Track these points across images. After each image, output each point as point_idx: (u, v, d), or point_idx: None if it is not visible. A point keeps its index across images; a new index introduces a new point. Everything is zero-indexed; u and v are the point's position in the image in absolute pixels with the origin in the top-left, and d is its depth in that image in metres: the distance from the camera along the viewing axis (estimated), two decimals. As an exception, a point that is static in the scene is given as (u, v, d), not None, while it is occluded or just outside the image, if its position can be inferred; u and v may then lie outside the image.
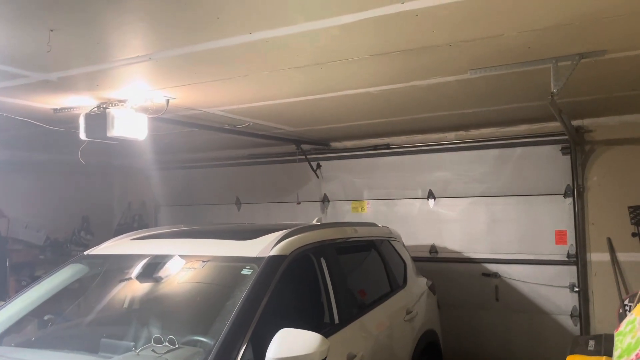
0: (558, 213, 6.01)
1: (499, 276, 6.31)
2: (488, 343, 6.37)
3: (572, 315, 5.96)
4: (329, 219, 7.27)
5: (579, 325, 5.92)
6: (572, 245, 5.95)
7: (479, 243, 6.43)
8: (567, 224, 5.98)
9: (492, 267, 6.35)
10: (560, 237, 6.00)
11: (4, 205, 7.25)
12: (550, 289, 6.06)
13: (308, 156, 7.26)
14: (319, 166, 7.35)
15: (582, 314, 5.92)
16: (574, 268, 5.96)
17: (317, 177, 7.37)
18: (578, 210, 5.94)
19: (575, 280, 5.95)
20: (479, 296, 6.42)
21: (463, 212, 6.51)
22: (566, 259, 5.99)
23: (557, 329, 6.04)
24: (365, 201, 7.10)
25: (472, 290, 6.45)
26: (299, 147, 7.06)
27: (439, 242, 6.66)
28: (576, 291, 5.93)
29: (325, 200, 7.35)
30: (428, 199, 6.68)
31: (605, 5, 2.60)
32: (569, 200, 5.96)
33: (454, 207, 6.57)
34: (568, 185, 5.95)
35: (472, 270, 6.46)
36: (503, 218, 6.29)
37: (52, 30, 2.65)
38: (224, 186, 8.08)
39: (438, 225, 6.65)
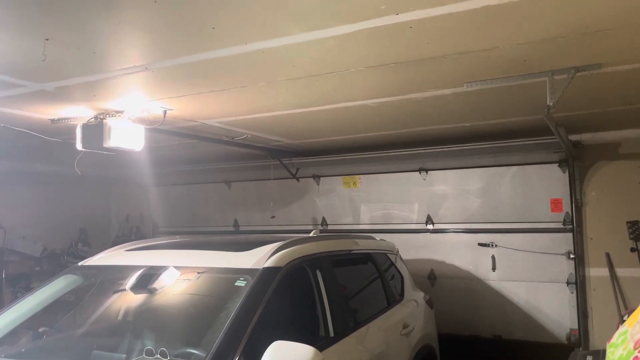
0: (553, 181, 5.96)
1: (496, 246, 6.27)
2: (485, 313, 6.33)
3: (568, 283, 5.93)
4: (321, 195, 7.25)
5: (575, 292, 5.88)
6: (567, 212, 5.91)
7: (474, 213, 6.38)
8: (562, 193, 5.93)
9: (489, 237, 6.32)
10: (555, 205, 5.95)
11: (0, 216, 7.22)
12: (547, 257, 6.02)
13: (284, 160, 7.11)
14: (297, 170, 7.28)
15: (578, 282, 5.89)
16: (569, 235, 5.94)
17: (297, 181, 7.28)
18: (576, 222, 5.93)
19: (571, 248, 5.92)
20: (476, 266, 6.39)
21: (457, 184, 6.44)
22: (562, 226, 5.95)
23: (554, 297, 6.01)
24: (357, 176, 7.00)
25: (468, 261, 6.43)
26: (280, 160, 6.98)
27: (435, 214, 6.61)
28: (572, 258, 5.90)
29: (315, 176, 7.27)
30: (420, 172, 6.59)
31: (599, 19, 2.61)
32: (564, 169, 5.92)
33: (447, 179, 6.50)
34: (562, 160, 5.90)
35: (468, 241, 6.44)
36: (498, 188, 6.23)
37: (47, 40, 2.66)
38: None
39: (432, 197, 6.58)
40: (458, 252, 6.48)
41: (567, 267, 5.95)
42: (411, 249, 6.68)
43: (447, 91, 3.94)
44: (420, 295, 5.04)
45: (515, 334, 6.17)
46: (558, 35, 2.82)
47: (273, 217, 7.35)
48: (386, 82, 3.71)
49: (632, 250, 5.69)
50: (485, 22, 2.63)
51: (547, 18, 2.60)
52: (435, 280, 6.44)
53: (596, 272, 5.90)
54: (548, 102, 3.53)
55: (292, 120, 4.93)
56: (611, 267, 5.79)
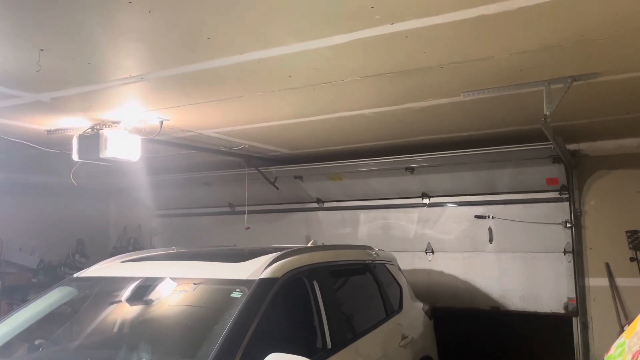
0: (548, 169, 5.84)
1: (492, 217, 6.24)
2: (483, 285, 6.30)
3: (565, 252, 5.89)
4: (308, 187, 7.16)
5: (572, 262, 5.84)
6: (563, 185, 5.84)
7: (470, 187, 6.31)
8: (558, 174, 5.84)
9: (485, 209, 6.29)
10: (550, 181, 5.89)
11: (-3, 228, 7.20)
12: (544, 227, 5.98)
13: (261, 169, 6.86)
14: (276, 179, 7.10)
15: (575, 251, 5.86)
16: (566, 205, 5.90)
17: (277, 189, 7.13)
18: (576, 235, 5.89)
19: (567, 217, 5.88)
20: (473, 239, 6.36)
21: (449, 166, 6.24)
22: (558, 195, 5.91)
23: (551, 267, 5.97)
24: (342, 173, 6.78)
25: (465, 233, 6.40)
26: (258, 168, 6.75)
27: (430, 190, 6.54)
28: (569, 227, 5.86)
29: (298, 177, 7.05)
30: (406, 170, 6.33)
31: (595, 28, 2.61)
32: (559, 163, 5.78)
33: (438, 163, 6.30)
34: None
35: (464, 214, 6.41)
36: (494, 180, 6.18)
37: (42, 50, 2.65)
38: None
39: (426, 177, 6.44)
40: (455, 225, 6.46)
41: (564, 236, 5.91)
42: (408, 224, 6.68)
43: (444, 101, 3.94)
44: (419, 306, 5.00)
45: (513, 305, 6.14)
46: (554, 45, 2.82)
47: (248, 228, 7.23)
48: (383, 92, 3.71)
49: (632, 259, 5.66)
50: (480, 32, 2.63)
51: (542, 27, 2.60)
52: (433, 254, 6.44)
53: (596, 282, 5.87)
54: (545, 111, 3.53)
55: (289, 131, 4.93)
56: (611, 277, 5.76)
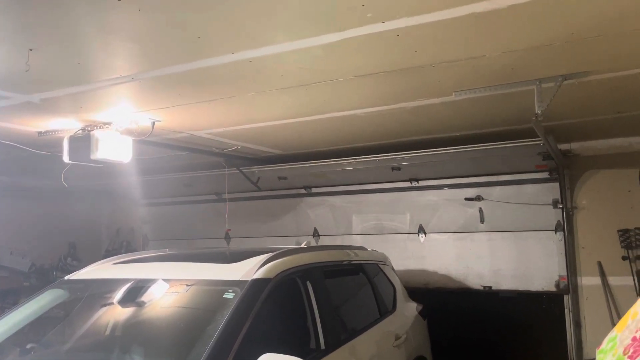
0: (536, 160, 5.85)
1: (483, 199, 6.26)
2: (474, 265, 6.32)
3: (556, 230, 5.93)
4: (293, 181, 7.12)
5: (563, 240, 5.88)
6: (552, 168, 5.85)
7: (459, 170, 6.30)
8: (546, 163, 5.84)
9: (475, 191, 6.31)
10: (539, 166, 5.91)
11: (-12, 231, 7.15)
12: (534, 207, 6.01)
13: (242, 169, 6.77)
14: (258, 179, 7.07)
15: (566, 230, 5.89)
16: (556, 185, 5.93)
17: (259, 189, 7.13)
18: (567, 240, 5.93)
19: (557, 196, 5.92)
20: (464, 220, 6.39)
21: (436, 163, 6.21)
22: (548, 176, 5.94)
23: (542, 246, 6.01)
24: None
25: (456, 215, 6.42)
26: (239, 168, 6.63)
27: (418, 174, 6.54)
28: (559, 207, 5.90)
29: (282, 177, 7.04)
30: (393, 170, 6.36)
31: (585, 27, 2.62)
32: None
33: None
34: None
35: (454, 196, 6.43)
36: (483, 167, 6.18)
37: (31, 50, 2.63)
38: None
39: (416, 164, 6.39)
40: (446, 207, 6.48)
41: (554, 216, 5.95)
42: (399, 207, 6.70)
43: (436, 100, 3.94)
44: (412, 306, 5.00)
45: (504, 285, 6.17)
46: (544, 43, 2.83)
47: (229, 230, 7.17)
48: (375, 92, 3.71)
49: (624, 258, 5.69)
50: (471, 30, 2.63)
51: (533, 26, 2.60)
52: (425, 235, 6.50)
53: (588, 281, 5.89)
54: (536, 110, 3.54)
55: (282, 131, 4.92)
56: (603, 275, 5.78)
